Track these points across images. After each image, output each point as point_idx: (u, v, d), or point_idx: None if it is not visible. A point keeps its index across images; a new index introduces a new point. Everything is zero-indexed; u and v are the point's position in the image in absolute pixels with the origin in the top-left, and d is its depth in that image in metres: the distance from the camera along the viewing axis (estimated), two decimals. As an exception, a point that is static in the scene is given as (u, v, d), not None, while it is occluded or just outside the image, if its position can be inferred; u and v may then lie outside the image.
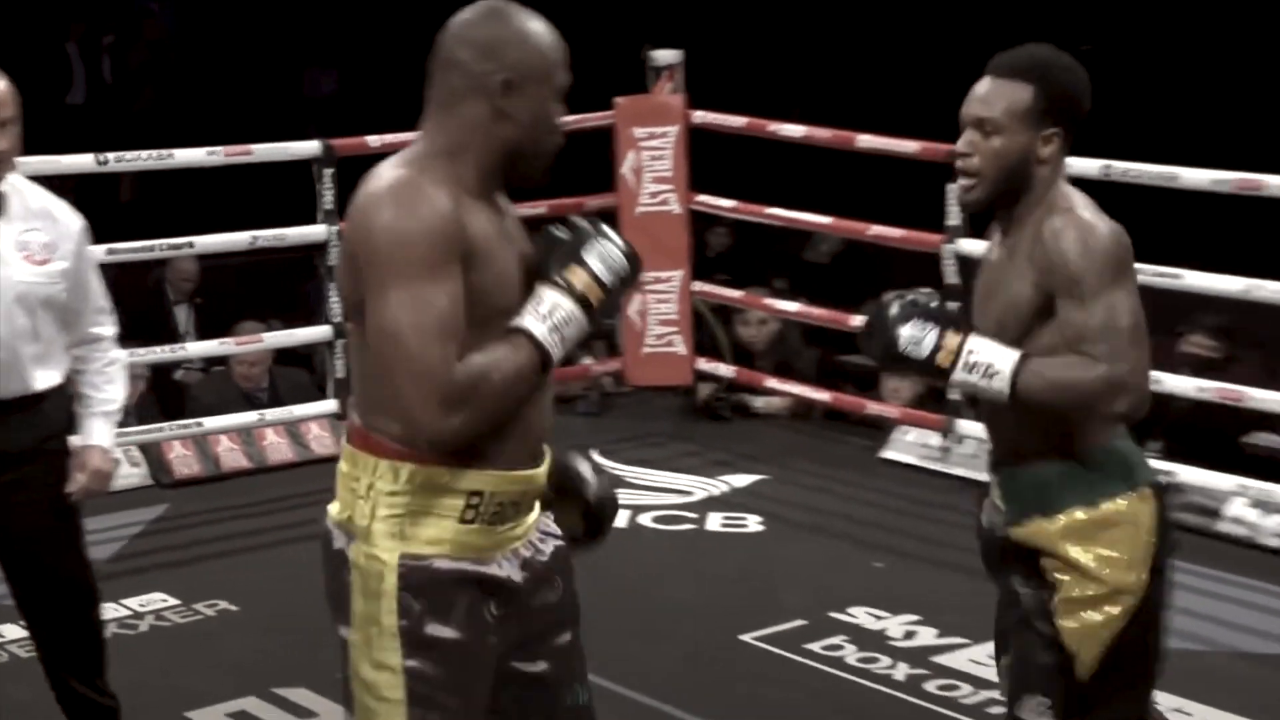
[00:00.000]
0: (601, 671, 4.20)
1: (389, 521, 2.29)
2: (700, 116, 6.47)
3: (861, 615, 4.62)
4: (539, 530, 2.44)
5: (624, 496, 5.72)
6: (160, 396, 7.03)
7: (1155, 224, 8.01)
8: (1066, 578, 2.73)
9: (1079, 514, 2.73)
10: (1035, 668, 2.78)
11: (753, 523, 5.50)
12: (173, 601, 4.74)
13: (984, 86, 2.80)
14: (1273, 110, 10.40)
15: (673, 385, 6.73)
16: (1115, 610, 2.72)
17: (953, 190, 5.52)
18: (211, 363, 7.25)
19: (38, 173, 4.44)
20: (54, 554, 3.57)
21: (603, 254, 2.34)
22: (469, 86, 2.30)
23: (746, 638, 4.49)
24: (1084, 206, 2.78)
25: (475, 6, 2.36)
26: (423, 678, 2.29)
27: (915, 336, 2.76)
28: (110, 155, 5.35)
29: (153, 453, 5.81)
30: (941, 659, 4.33)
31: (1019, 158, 2.76)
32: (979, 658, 4.28)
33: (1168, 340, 6.41)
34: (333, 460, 6.29)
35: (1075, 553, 2.72)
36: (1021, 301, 2.76)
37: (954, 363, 2.72)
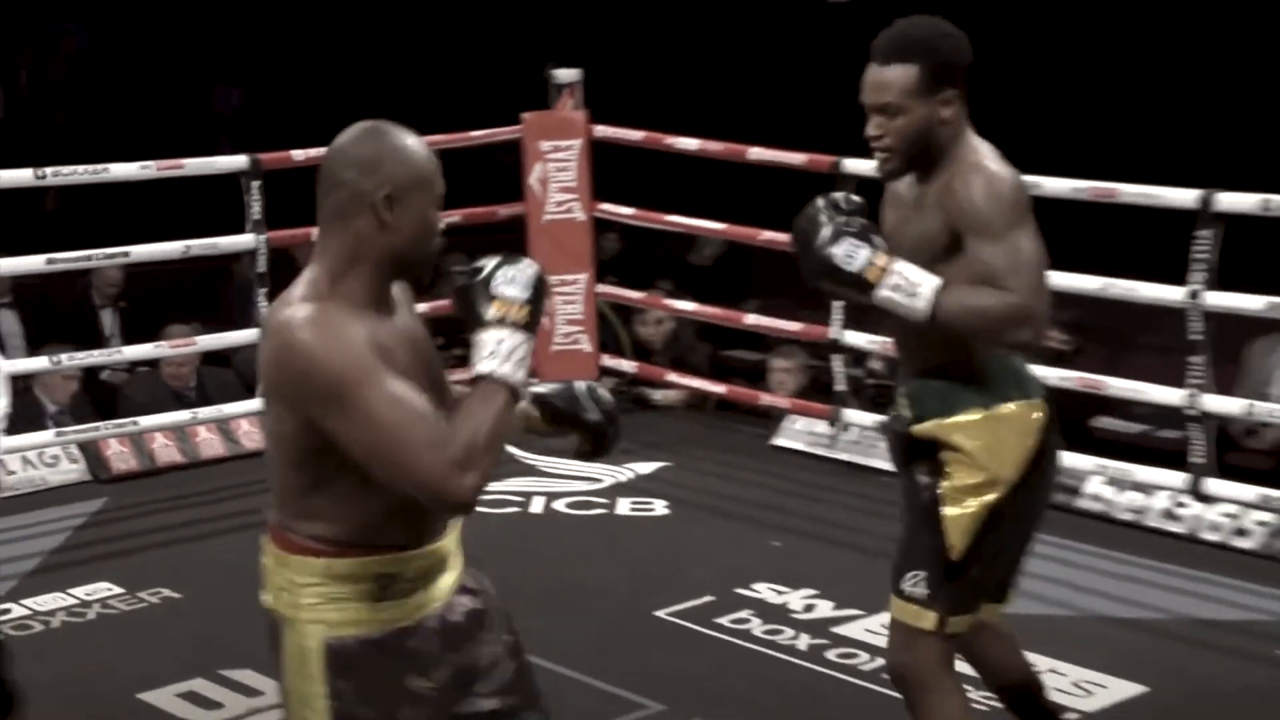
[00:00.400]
0: (525, 646, 4.35)
1: (311, 610, 2.37)
2: (601, 131, 6.57)
3: (765, 590, 4.75)
4: (461, 588, 2.48)
5: (539, 484, 5.88)
6: (93, 396, 7.00)
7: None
8: (954, 468, 2.94)
9: (974, 414, 2.95)
10: (918, 546, 3.01)
11: (659, 507, 5.62)
12: (118, 590, 4.77)
13: (875, 74, 2.91)
14: (1119, 119, 10.74)
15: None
16: (989, 498, 2.94)
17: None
18: (137, 363, 7.23)
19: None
20: None
21: (509, 277, 2.37)
22: (355, 202, 2.34)
23: (660, 613, 4.61)
24: (989, 156, 2.93)
25: (354, 128, 2.40)
26: None
27: (849, 253, 2.89)
28: (48, 170, 5.33)
29: (90, 450, 5.81)
30: (840, 629, 4.47)
31: (923, 128, 2.91)
32: (874, 627, 4.44)
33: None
34: (262, 454, 6.36)
35: (965, 442, 2.94)
36: (932, 241, 2.92)
37: (880, 280, 2.87)
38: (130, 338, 7.97)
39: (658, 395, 6.91)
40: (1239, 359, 6.90)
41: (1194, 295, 4.91)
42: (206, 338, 6.13)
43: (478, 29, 13.60)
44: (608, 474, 5.96)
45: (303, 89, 13.36)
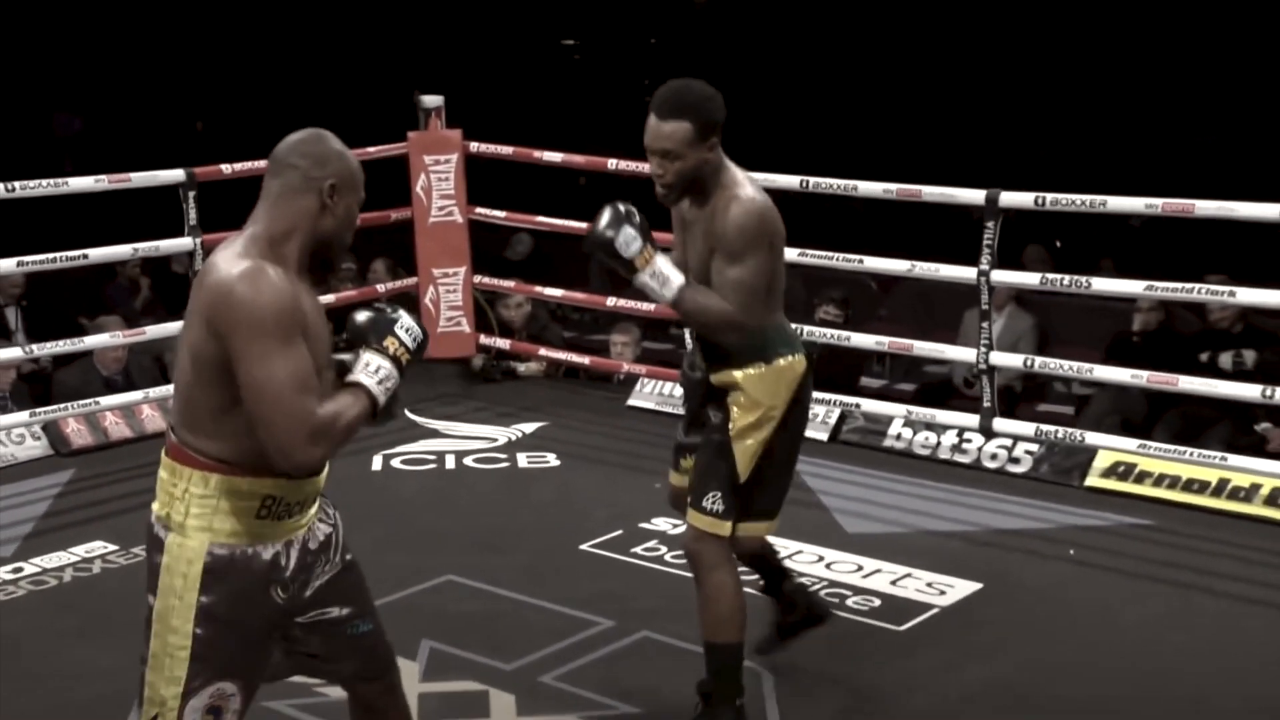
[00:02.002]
0: (466, 574, 4.32)
1: (200, 518, 2.37)
2: (475, 146, 6.49)
3: (663, 524, 4.77)
4: (319, 519, 2.53)
5: (446, 445, 5.80)
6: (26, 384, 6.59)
7: (841, 224, 8.57)
8: (739, 410, 3.18)
9: (760, 366, 3.19)
10: (714, 470, 3.22)
11: (551, 459, 5.59)
12: (113, 547, 4.53)
13: (656, 127, 3.11)
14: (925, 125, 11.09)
15: (458, 357, 6.74)
16: (765, 434, 3.19)
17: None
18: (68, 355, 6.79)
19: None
20: None
21: (408, 327, 2.52)
22: (304, 185, 2.42)
23: (584, 546, 4.61)
24: (745, 184, 3.15)
25: (304, 131, 2.49)
26: (206, 642, 2.38)
27: (628, 239, 3.12)
28: (16, 184, 4.98)
29: (52, 429, 5.47)
30: (732, 551, 4.57)
31: (694, 168, 3.12)
32: (758, 548, 4.57)
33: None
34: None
35: (749, 387, 3.18)
36: (702, 258, 3.15)
37: (643, 267, 3.12)
38: (32, 333, 7.53)
39: (521, 367, 6.88)
40: (958, 326, 7.28)
41: (983, 274, 5.16)
42: (155, 327, 5.80)
43: (355, 60, 13.26)
44: (500, 434, 5.92)
45: (137, 116, 12.80)
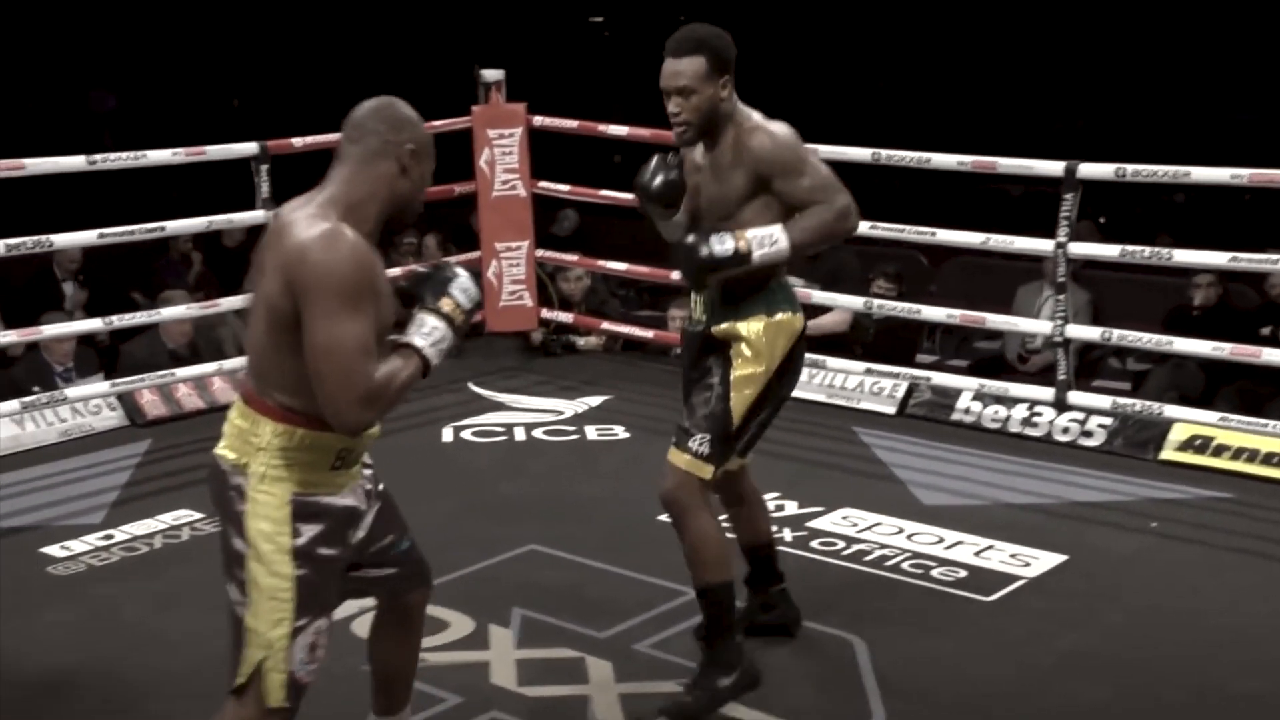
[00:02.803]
0: (549, 544, 4.34)
1: (281, 469, 2.46)
2: (540, 120, 6.50)
3: (738, 495, 4.82)
4: (365, 467, 2.65)
5: (514, 417, 5.83)
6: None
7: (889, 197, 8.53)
8: (739, 361, 3.25)
9: (762, 319, 3.27)
10: (706, 417, 3.28)
11: (620, 431, 5.62)
12: (198, 515, 4.56)
13: (672, 65, 3.18)
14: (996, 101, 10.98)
15: (520, 330, 6.77)
16: (760, 385, 3.28)
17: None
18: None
19: (37, 172, 4.16)
20: None
21: (464, 288, 2.56)
22: (384, 150, 2.48)
23: (662, 518, 4.58)
24: (762, 118, 3.25)
25: (379, 98, 2.55)
26: (306, 583, 2.48)
27: (719, 246, 3.16)
28: (98, 156, 5.02)
29: (127, 400, 5.53)
30: (812, 524, 4.55)
31: (711, 104, 3.19)
32: (838, 520, 4.57)
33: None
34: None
35: (752, 337, 3.26)
36: (734, 191, 3.20)
37: (749, 249, 3.14)
38: (90, 308, 7.60)
39: (580, 341, 6.90)
40: (1008, 301, 7.25)
41: (1060, 246, 5.15)
42: (229, 300, 5.85)
43: (418, 36, 13.30)
44: (566, 407, 5.95)
45: (169, 93, 12.89)
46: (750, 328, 3.26)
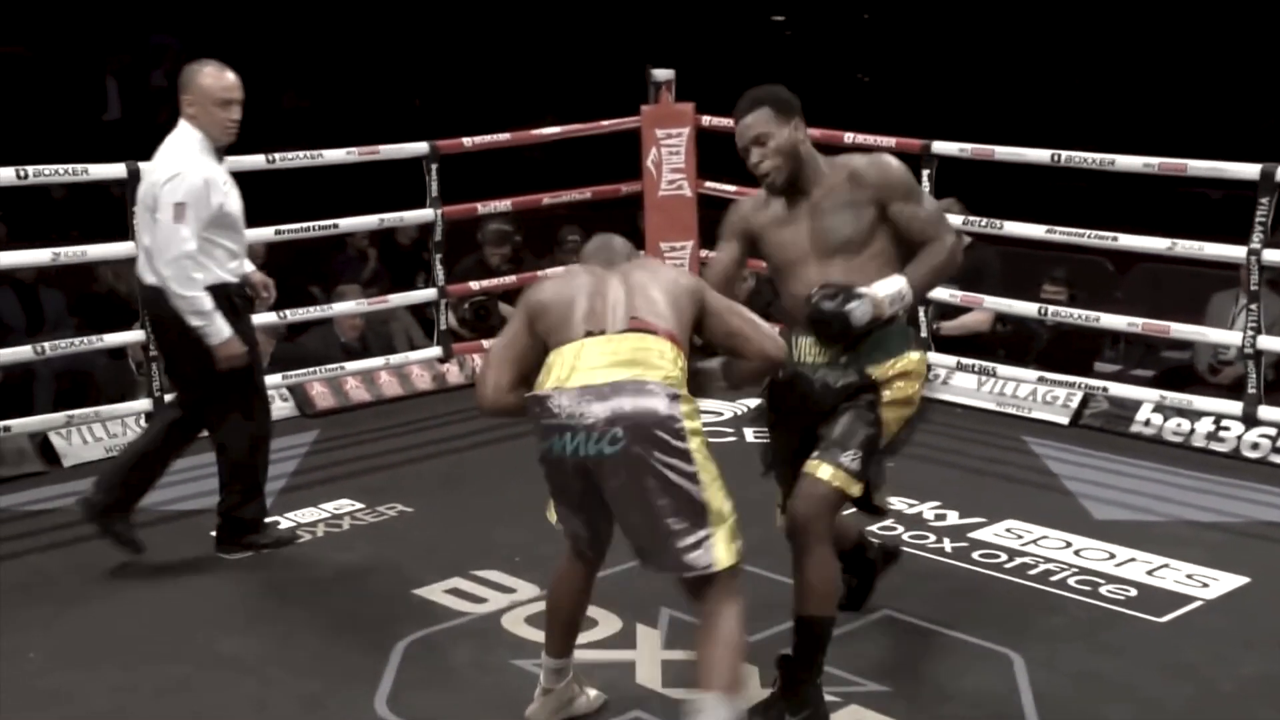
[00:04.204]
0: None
1: (680, 384, 2.91)
2: (707, 120, 6.49)
3: (897, 503, 4.65)
4: None
5: (675, 417, 5.81)
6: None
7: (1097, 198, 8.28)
8: (897, 386, 3.27)
9: (918, 352, 3.34)
10: (859, 434, 3.23)
11: (780, 435, 5.57)
12: (359, 505, 4.70)
13: (741, 122, 3.28)
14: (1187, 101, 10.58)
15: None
16: (907, 411, 3.33)
17: (926, 175, 5.68)
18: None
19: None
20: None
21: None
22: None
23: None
24: (851, 154, 3.35)
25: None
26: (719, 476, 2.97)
27: (857, 312, 3.18)
28: (276, 155, 5.22)
29: (298, 391, 5.72)
30: (974, 535, 4.44)
31: (790, 145, 3.27)
32: (1000, 532, 4.44)
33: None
34: (431, 394, 6.37)
35: (918, 369, 3.33)
36: (863, 222, 3.25)
37: (880, 308, 3.19)
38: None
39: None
40: (1200, 308, 6.92)
41: (1253, 252, 4.90)
42: (395, 295, 6.01)
43: (595, 37, 13.55)
44: (725, 408, 5.92)
45: (357, 92, 13.29)
46: (920, 360, 3.35)
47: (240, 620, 3.85)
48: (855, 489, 3.22)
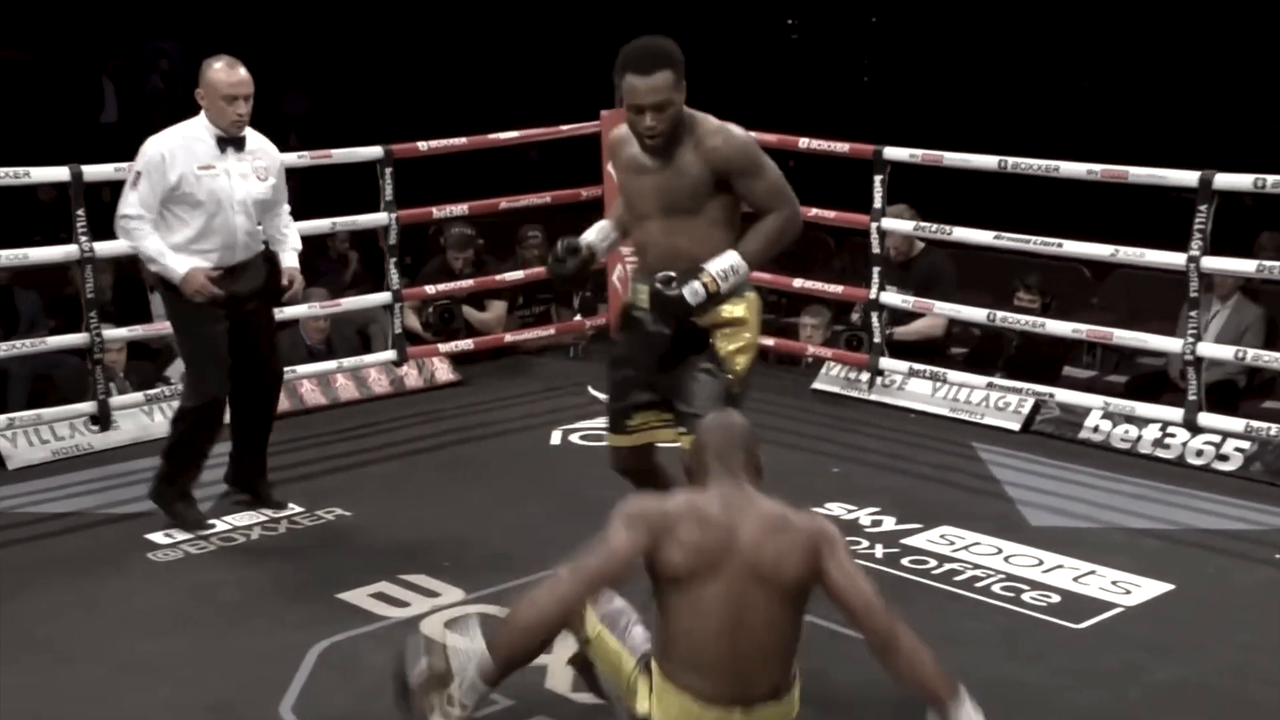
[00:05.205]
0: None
1: None
2: (668, 125, 6.48)
3: (836, 509, 4.71)
4: None
5: (627, 421, 5.81)
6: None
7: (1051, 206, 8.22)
8: (725, 340, 3.48)
9: (746, 296, 3.51)
10: (707, 393, 3.48)
11: (730, 440, 5.57)
12: (298, 509, 4.70)
13: (647, 82, 3.33)
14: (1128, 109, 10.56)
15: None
16: (749, 356, 3.55)
17: (878, 180, 5.70)
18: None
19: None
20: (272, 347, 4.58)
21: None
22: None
23: (755, 526, 4.58)
24: (710, 117, 3.44)
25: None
26: None
27: (690, 291, 3.37)
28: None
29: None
30: (907, 540, 4.44)
31: (679, 111, 3.39)
32: (935, 539, 4.44)
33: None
34: (388, 398, 6.41)
35: (749, 315, 3.52)
36: (699, 188, 3.39)
37: (718, 285, 3.37)
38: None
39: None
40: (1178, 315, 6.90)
41: (1192, 260, 4.90)
42: (347, 300, 6.04)
43: (560, 35, 13.54)
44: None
45: (362, 95, 13.32)
46: (747, 306, 3.51)
47: (164, 623, 3.87)
48: None
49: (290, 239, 4.61)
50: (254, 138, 4.45)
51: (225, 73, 4.31)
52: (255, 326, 4.47)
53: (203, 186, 4.28)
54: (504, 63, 13.17)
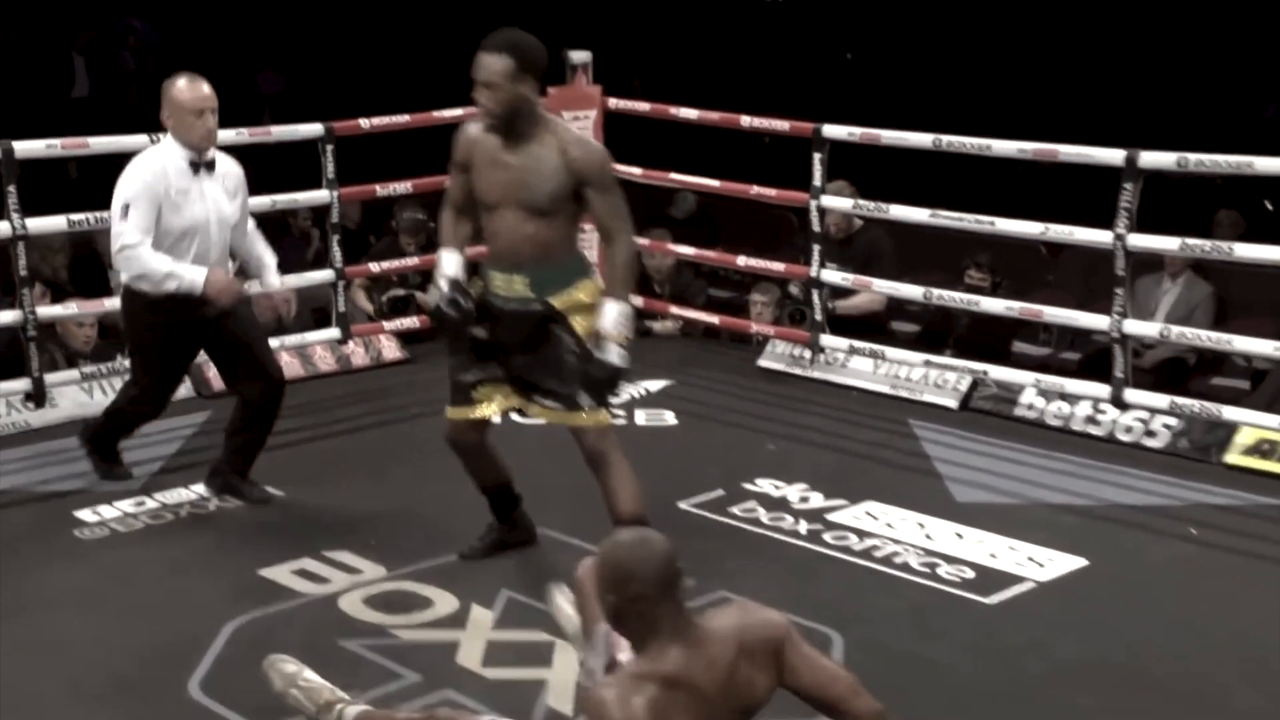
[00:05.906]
0: (561, 529, 4.35)
1: None
2: (614, 103, 6.51)
3: (766, 485, 4.75)
4: None
5: (568, 399, 5.84)
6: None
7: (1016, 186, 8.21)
8: (583, 319, 3.71)
9: (588, 285, 3.77)
10: (575, 377, 3.75)
11: (669, 417, 5.60)
12: (231, 488, 4.73)
13: (484, 59, 3.56)
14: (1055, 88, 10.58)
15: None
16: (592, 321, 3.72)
17: (817, 158, 5.71)
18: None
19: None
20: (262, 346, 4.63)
21: None
22: None
23: (682, 505, 4.61)
24: (570, 126, 3.75)
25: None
26: None
27: (616, 356, 3.74)
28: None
29: (195, 372, 5.71)
30: (832, 516, 4.48)
31: (512, 100, 3.58)
32: (859, 515, 4.48)
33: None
34: (334, 375, 6.44)
35: (589, 301, 3.74)
36: (555, 190, 3.61)
37: (625, 337, 3.73)
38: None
39: (657, 325, 6.88)
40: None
41: (1119, 238, 4.93)
42: (291, 277, 6.03)
43: (498, 14, 13.53)
44: (623, 391, 5.93)
45: (340, 74, 13.29)
46: (593, 291, 3.75)
47: (79, 601, 3.89)
48: (608, 417, 3.84)
49: (265, 257, 4.68)
50: (222, 159, 4.48)
51: (189, 90, 4.34)
52: (242, 330, 4.52)
53: (180, 212, 4.31)
54: (462, 39, 13.15)
